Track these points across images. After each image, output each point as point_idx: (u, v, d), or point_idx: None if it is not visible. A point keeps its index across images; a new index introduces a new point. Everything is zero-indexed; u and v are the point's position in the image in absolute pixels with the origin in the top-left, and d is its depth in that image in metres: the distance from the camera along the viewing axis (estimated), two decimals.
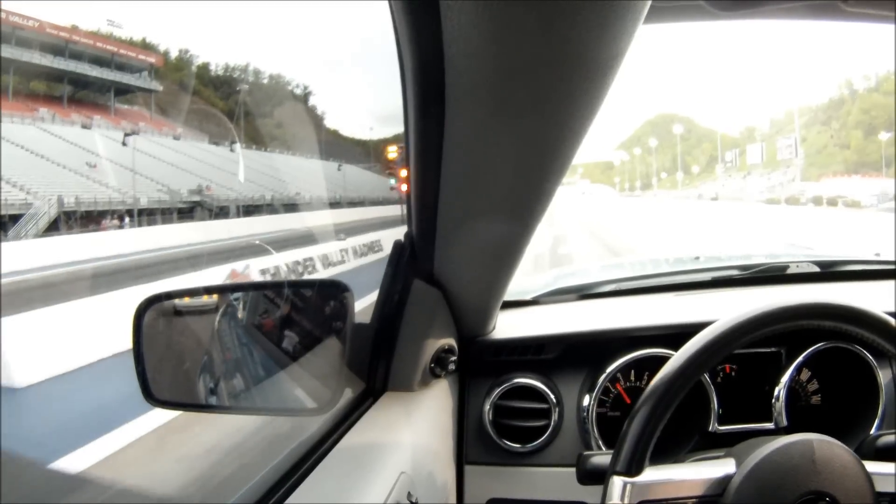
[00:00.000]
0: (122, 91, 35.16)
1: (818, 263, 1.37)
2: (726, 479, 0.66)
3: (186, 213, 25.07)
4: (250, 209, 26.91)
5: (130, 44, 36.28)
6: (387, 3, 0.49)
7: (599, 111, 0.52)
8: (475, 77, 0.49)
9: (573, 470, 0.76)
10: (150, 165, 26.45)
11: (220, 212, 25.75)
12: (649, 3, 0.43)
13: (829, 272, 1.36)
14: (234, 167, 28.88)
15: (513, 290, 1.11)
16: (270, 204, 28.25)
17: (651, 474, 0.66)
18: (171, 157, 29.11)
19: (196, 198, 26.10)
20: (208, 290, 0.86)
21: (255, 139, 37.51)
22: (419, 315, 0.85)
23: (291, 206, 28.03)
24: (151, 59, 36.62)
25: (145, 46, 38.37)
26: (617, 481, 0.66)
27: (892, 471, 0.68)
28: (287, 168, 33.29)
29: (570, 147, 0.57)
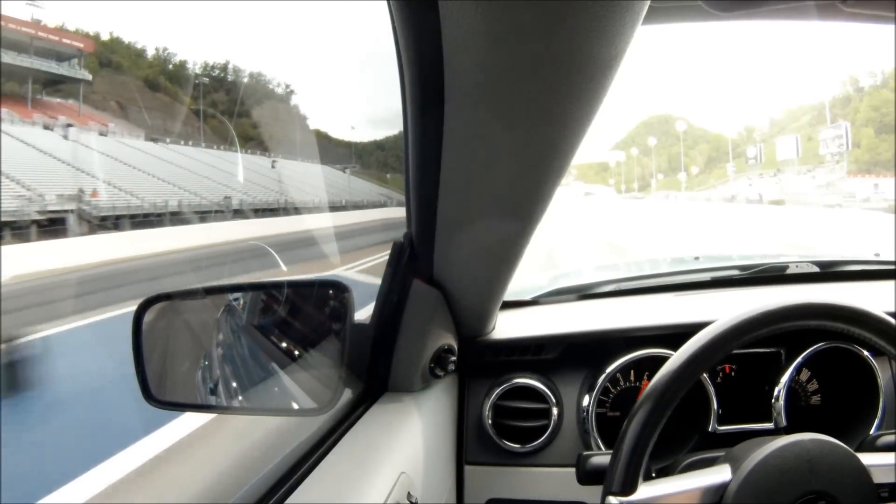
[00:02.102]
0: (52, 82, 28.81)
1: (817, 263, 1.37)
2: (722, 487, 0.66)
3: (46, 226, 16.90)
4: (148, 219, 19.34)
5: (60, 30, 29.52)
6: (385, 3, 0.50)
7: (599, 111, 0.53)
8: (474, 77, 0.49)
9: (573, 470, 0.76)
10: (35, 164, 19.65)
11: (101, 223, 17.67)
12: (648, 4, 0.44)
13: (829, 272, 1.36)
14: (165, 167, 23.14)
15: (512, 291, 1.11)
16: (178, 212, 20.01)
17: (646, 491, 0.66)
18: (78, 154, 21.77)
19: (70, 206, 18.25)
20: (208, 291, 0.86)
21: (210, 135, 30.66)
22: (419, 315, 0.85)
23: (206, 215, 20.39)
24: (79, 45, 29.70)
25: (94, 36, 32.60)
26: (612, 501, 0.66)
27: (891, 461, 0.68)
28: (228, 166, 26.43)
29: (569, 147, 0.57)
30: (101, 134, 26.18)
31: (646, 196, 63.87)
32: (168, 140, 27.40)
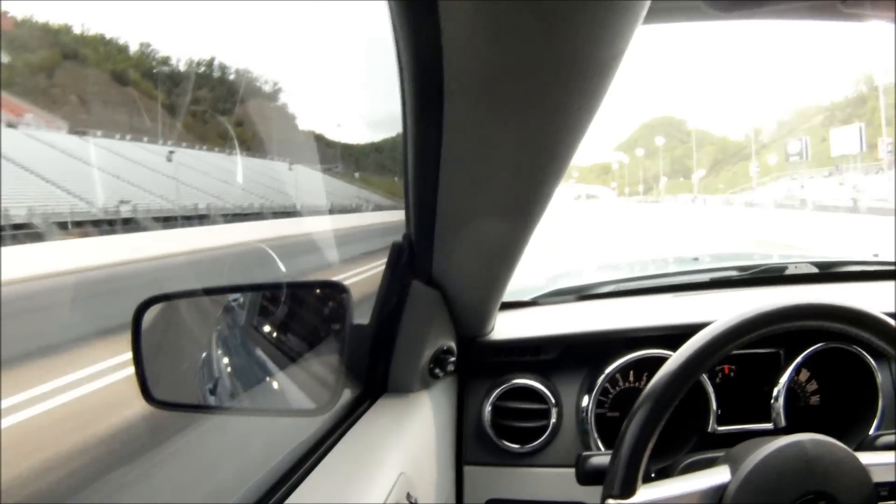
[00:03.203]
0: None
1: (816, 264, 1.37)
2: (721, 488, 0.66)
3: None
4: None
5: None
6: (385, 2, 0.49)
7: (598, 111, 0.52)
8: (474, 77, 0.49)
9: (572, 470, 0.76)
10: None
11: None
12: (648, 4, 0.43)
13: (828, 273, 1.36)
14: (71, 164, 17.44)
15: (511, 291, 1.11)
16: (25, 224, 13.21)
17: (645, 494, 0.66)
18: None
19: None
20: (208, 291, 0.86)
21: (163, 131, 23.15)
22: (418, 316, 0.85)
23: (83, 226, 14.06)
24: None
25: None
26: None
27: (891, 460, 0.68)
28: (163, 165, 19.71)
29: (568, 147, 0.57)
30: (10, 125, 19.62)
31: (659, 199, 53.79)
32: (99, 133, 21.43)
